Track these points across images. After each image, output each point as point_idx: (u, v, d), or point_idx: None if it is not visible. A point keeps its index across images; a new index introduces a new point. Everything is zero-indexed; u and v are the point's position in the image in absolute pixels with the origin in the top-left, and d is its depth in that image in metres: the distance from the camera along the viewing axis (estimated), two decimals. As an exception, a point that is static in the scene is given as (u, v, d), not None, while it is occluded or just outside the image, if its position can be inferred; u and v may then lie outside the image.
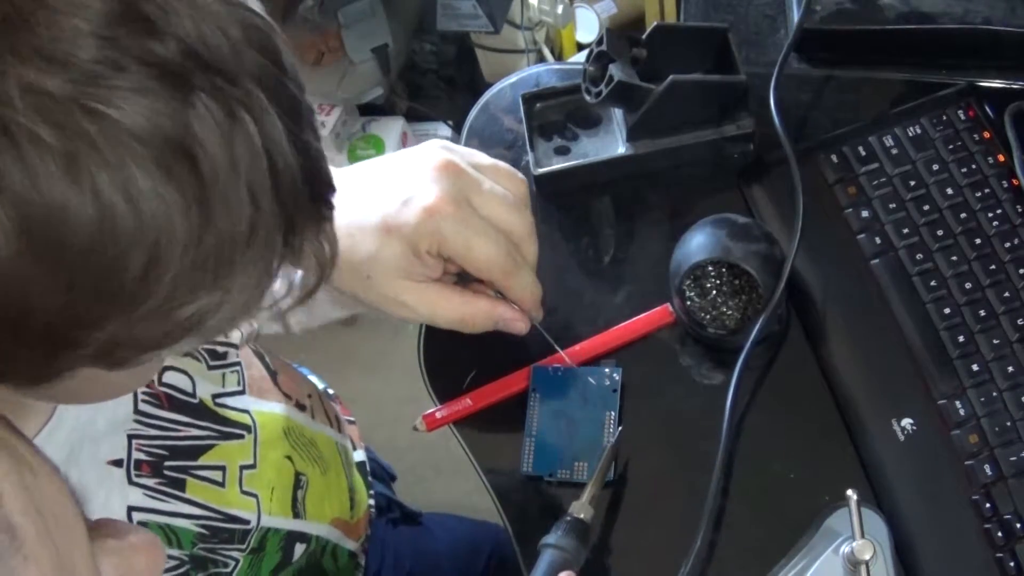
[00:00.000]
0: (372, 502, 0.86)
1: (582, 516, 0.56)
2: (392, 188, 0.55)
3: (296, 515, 0.66)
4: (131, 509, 0.52)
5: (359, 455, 0.87)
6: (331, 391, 0.89)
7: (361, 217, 0.55)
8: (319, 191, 0.38)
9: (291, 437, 0.68)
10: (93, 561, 0.29)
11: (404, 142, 1.68)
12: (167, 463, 0.55)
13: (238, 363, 0.64)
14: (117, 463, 0.52)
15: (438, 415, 0.65)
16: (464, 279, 0.59)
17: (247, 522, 0.60)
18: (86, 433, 0.51)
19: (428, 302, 0.56)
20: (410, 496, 0.95)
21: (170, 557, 0.54)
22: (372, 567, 0.81)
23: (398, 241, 0.54)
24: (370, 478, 0.87)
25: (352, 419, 0.89)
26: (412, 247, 0.54)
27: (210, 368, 0.61)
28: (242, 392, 0.64)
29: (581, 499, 0.57)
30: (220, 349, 0.63)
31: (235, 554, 0.59)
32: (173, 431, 0.56)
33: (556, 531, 0.56)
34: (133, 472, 0.53)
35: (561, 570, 0.54)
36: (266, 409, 0.66)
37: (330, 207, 0.40)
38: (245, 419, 0.63)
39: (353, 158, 1.64)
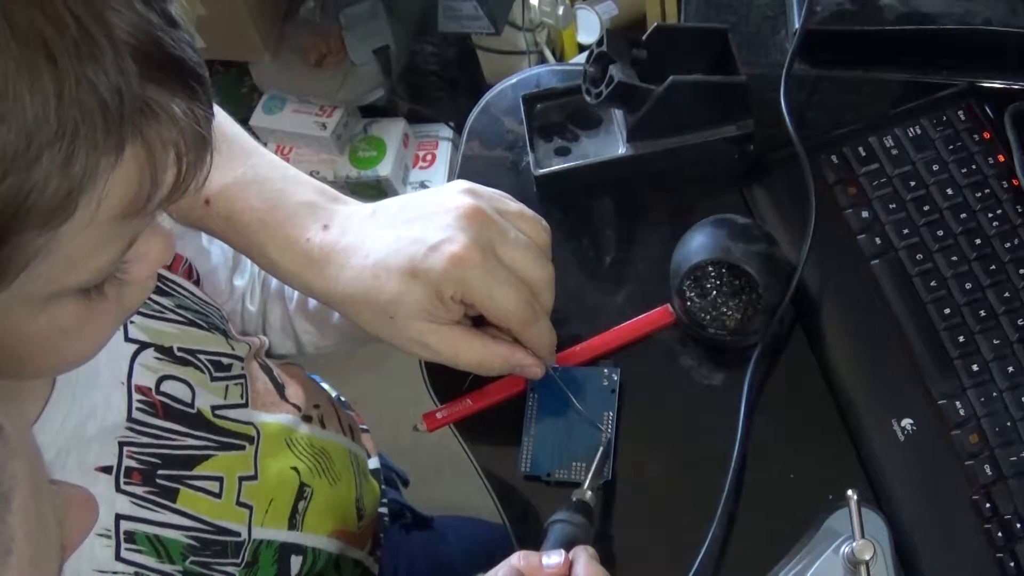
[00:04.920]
0: (385, 509, 0.86)
1: (586, 499, 0.57)
2: (419, 232, 0.56)
3: (292, 527, 0.65)
4: (119, 517, 0.52)
5: (373, 462, 0.87)
6: (343, 399, 0.89)
7: (387, 259, 0.55)
8: (159, 70, 0.36)
9: (296, 448, 0.68)
10: (49, 485, 0.33)
11: (405, 143, 1.68)
12: (160, 472, 0.55)
13: (242, 376, 0.64)
14: (106, 470, 0.52)
15: (439, 415, 0.65)
16: (479, 319, 0.59)
17: (237, 534, 0.60)
18: (73, 438, 0.51)
19: (449, 345, 0.57)
20: (412, 497, 0.95)
21: (162, 573, 0.54)
22: (386, 574, 0.81)
23: (423, 285, 0.55)
24: (384, 486, 0.86)
25: (366, 427, 0.89)
26: (437, 292, 0.55)
27: (213, 380, 0.61)
28: (244, 405, 0.64)
29: (583, 487, 0.57)
30: (225, 361, 0.63)
31: (230, 569, 0.59)
32: (167, 440, 0.56)
33: (562, 511, 0.56)
34: (122, 479, 0.53)
35: (572, 544, 0.54)
36: (270, 420, 0.66)
37: (188, 92, 0.38)
38: (248, 430, 0.63)
39: (354, 159, 1.65)
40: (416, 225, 0.56)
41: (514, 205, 0.60)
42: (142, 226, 0.41)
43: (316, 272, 0.57)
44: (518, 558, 0.52)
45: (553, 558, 0.52)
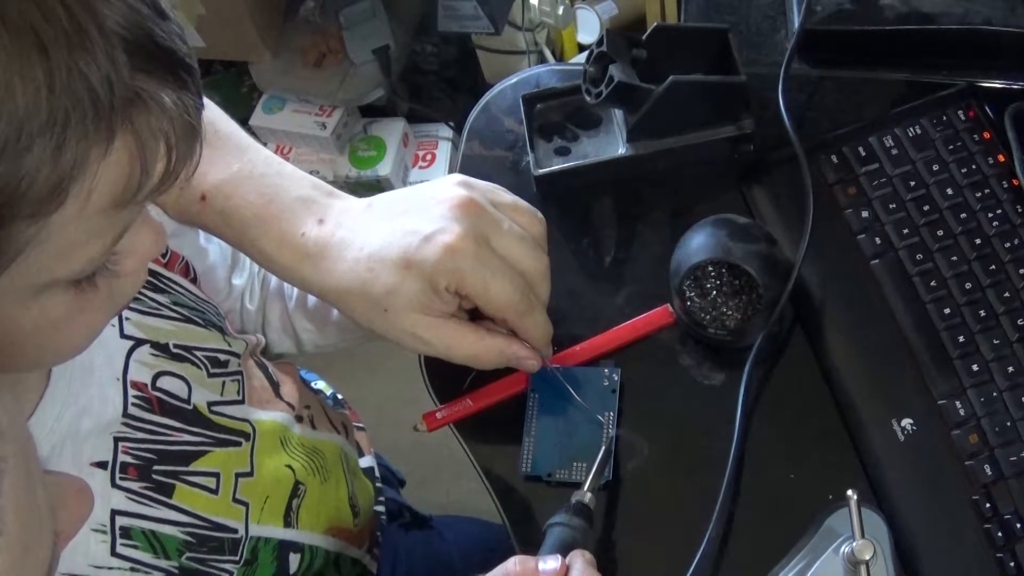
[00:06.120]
0: (382, 508, 0.86)
1: (586, 500, 0.56)
2: (413, 223, 0.56)
3: (287, 524, 0.65)
4: (115, 513, 0.52)
5: (367, 461, 0.86)
6: (340, 396, 0.89)
7: (381, 251, 0.55)
8: (150, 60, 0.37)
9: (290, 446, 0.68)
10: (40, 471, 0.33)
11: (405, 143, 1.68)
12: (156, 467, 0.55)
13: (239, 372, 0.64)
14: (101, 465, 0.52)
15: (439, 415, 0.65)
16: (475, 313, 0.59)
17: (234, 531, 0.60)
18: (68, 434, 0.51)
19: (444, 338, 0.57)
20: (412, 497, 0.95)
21: (158, 569, 0.54)
22: (384, 573, 0.81)
23: (417, 277, 0.54)
24: (379, 484, 0.86)
25: (362, 425, 0.89)
26: (431, 283, 0.55)
27: (210, 376, 0.61)
28: (241, 402, 0.64)
29: (583, 488, 0.57)
30: (222, 357, 0.63)
31: (228, 566, 0.59)
32: (163, 436, 0.56)
33: (561, 513, 0.56)
34: (118, 475, 0.53)
35: (570, 547, 0.54)
36: (266, 418, 0.66)
37: (178, 83, 0.38)
38: (244, 427, 0.63)
39: (354, 159, 1.65)
40: (410, 217, 0.56)
41: (508, 197, 0.59)
42: (133, 216, 0.41)
43: (311, 266, 0.57)
44: (514, 563, 0.52)
45: (549, 563, 0.52)
